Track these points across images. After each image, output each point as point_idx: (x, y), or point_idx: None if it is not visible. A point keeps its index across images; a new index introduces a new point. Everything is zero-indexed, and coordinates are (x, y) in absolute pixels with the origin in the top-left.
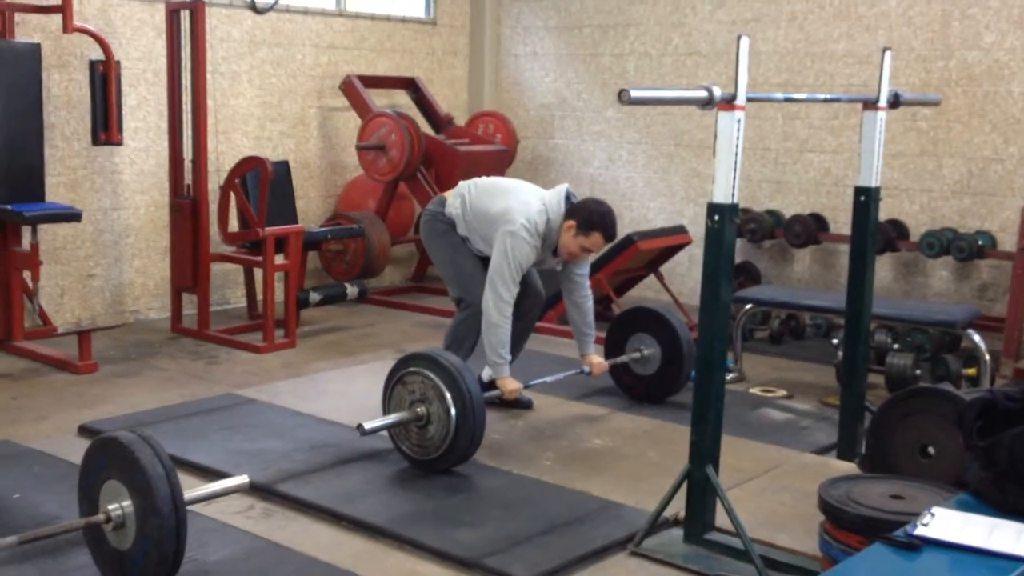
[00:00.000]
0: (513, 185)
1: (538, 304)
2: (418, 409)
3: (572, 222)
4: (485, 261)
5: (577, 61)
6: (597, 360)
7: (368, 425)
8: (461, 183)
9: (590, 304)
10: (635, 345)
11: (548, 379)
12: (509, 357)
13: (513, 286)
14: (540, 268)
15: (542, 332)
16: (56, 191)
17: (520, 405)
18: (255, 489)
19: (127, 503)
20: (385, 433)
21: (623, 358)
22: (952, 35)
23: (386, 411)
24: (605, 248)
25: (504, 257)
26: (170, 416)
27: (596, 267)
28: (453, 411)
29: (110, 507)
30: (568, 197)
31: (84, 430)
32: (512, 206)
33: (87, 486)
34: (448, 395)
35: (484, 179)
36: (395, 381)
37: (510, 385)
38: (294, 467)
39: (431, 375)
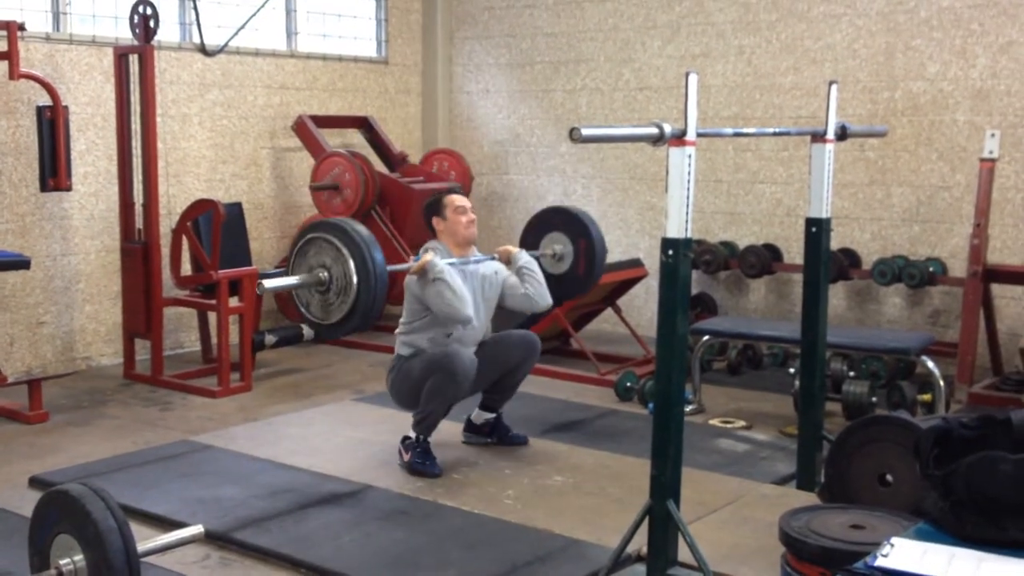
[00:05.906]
0: None
1: (531, 352)
2: (320, 274)
3: (434, 219)
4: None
5: (530, 97)
6: (511, 248)
7: (268, 284)
8: None
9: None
10: (549, 245)
11: (456, 261)
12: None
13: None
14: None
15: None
16: (4, 238)
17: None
18: (212, 538)
19: (79, 558)
20: (347, 476)
21: (535, 253)
22: (897, 66)
23: (290, 274)
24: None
25: (432, 273)
26: (124, 465)
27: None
28: (355, 278)
29: (62, 562)
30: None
31: (35, 482)
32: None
33: (38, 540)
34: (351, 261)
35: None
36: (298, 247)
37: (427, 257)
38: (252, 514)
39: (334, 240)
